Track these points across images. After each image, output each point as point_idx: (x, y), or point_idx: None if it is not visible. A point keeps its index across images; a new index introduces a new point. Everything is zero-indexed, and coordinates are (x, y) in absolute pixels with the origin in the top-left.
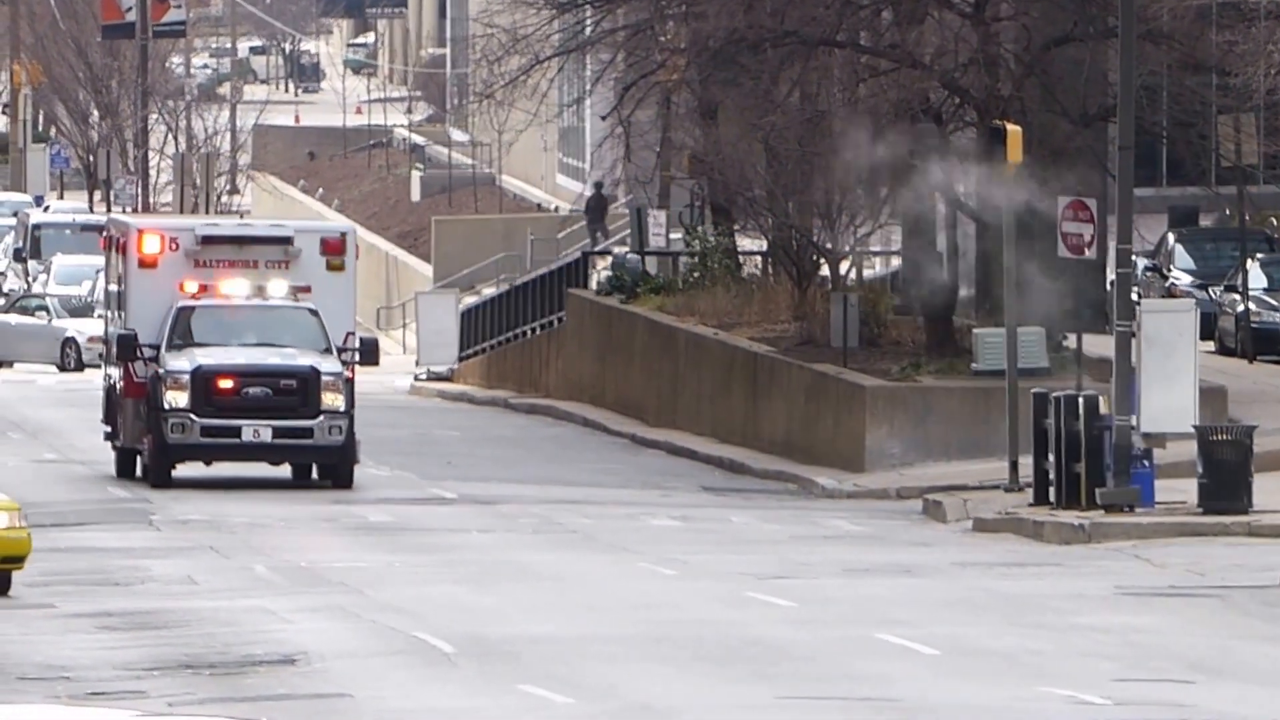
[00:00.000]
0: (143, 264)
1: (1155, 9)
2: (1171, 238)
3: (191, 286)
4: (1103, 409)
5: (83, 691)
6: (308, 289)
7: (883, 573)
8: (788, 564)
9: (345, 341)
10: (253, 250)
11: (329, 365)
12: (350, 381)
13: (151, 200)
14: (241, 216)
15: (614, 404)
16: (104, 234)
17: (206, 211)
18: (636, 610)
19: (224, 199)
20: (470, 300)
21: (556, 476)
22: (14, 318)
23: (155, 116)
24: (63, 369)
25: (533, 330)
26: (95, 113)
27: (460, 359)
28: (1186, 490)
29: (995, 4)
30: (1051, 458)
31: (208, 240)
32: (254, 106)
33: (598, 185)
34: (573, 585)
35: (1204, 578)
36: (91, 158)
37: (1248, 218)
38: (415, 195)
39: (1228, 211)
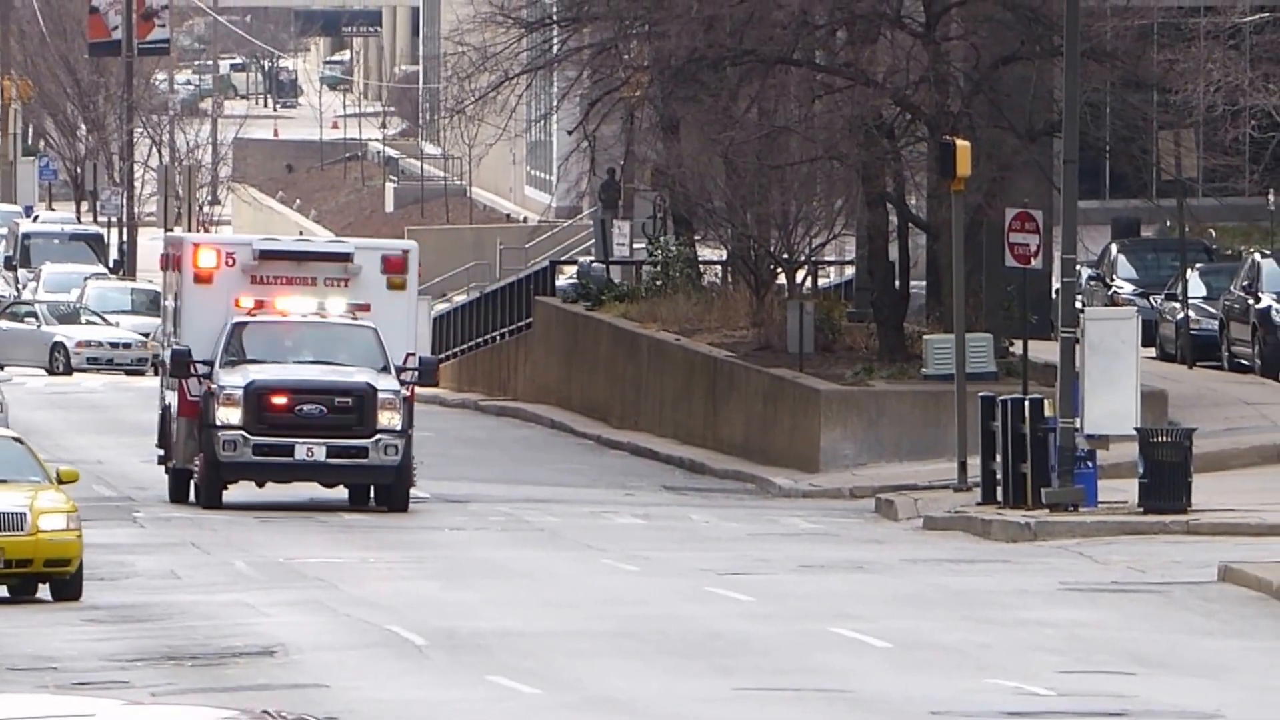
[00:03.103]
0: (198, 279)
1: (1099, 29)
2: (1114, 248)
3: (248, 303)
4: (1048, 412)
5: (69, 682)
6: (367, 307)
7: (837, 569)
8: (746, 560)
9: (406, 361)
10: (311, 267)
11: (386, 383)
12: (409, 401)
13: (136, 211)
14: (216, 228)
15: (580, 407)
16: (162, 251)
17: (189, 221)
18: (601, 605)
19: (205, 210)
20: (442, 307)
21: (524, 476)
22: (4, 323)
23: (140, 130)
24: (51, 373)
25: (502, 336)
26: (82, 127)
27: None
28: (1128, 490)
29: (945, 24)
30: (998, 459)
31: (265, 256)
32: (234, 121)
33: (610, 172)
34: (540, 581)
35: (1145, 574)
36: (79, 170)
37: (1187, 229)
38: (389, 206)
39: (1168, 223)
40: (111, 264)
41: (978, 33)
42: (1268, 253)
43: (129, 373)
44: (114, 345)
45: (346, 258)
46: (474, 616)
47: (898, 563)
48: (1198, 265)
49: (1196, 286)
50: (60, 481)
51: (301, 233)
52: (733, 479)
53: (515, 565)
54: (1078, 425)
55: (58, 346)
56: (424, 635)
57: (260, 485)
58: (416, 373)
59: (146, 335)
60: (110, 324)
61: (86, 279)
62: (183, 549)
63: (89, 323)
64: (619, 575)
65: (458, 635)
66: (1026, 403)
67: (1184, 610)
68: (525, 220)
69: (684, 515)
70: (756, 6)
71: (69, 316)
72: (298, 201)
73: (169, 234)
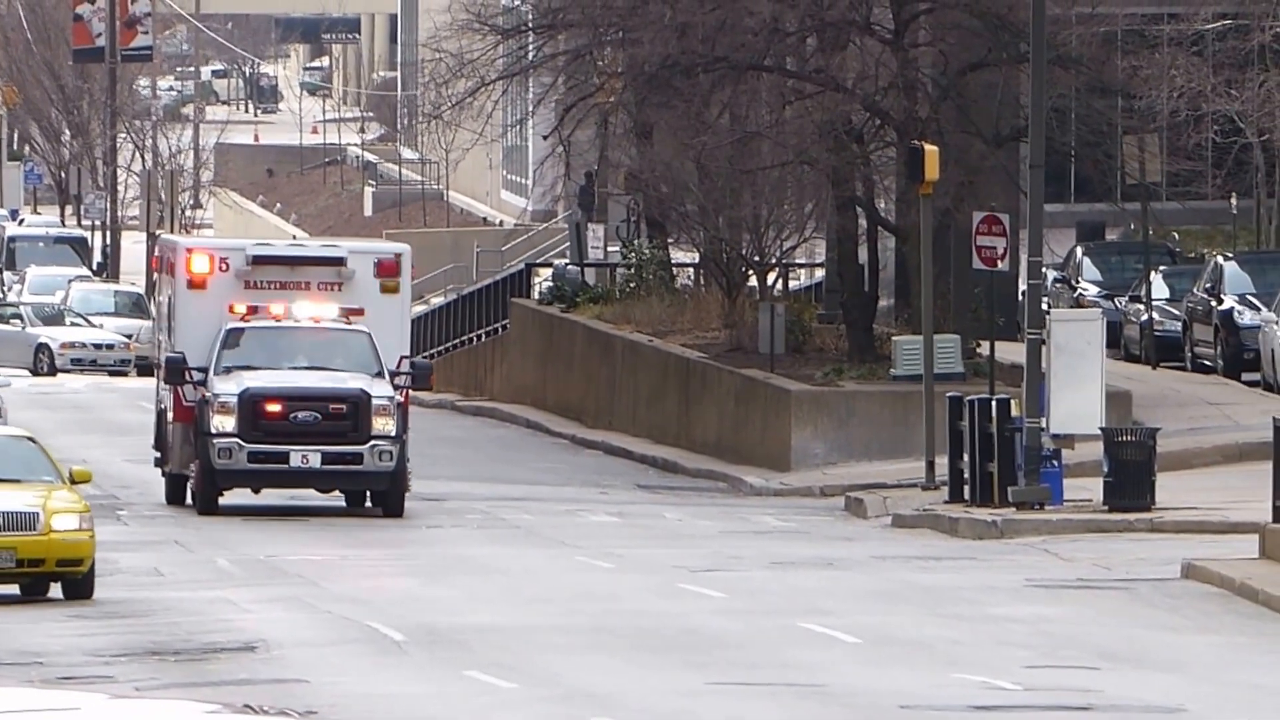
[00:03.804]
0: (191, 285)
1: (1065, 35)
2: (1079, 251)
3: (241, 308)
4: (1014, 412)
5: (54, 676)
6: (361, 311)
7: (808, 566)
8: (718, 557)
9: (399, 365)
10: (305, 271)
11: (380, 389)
12: (403, 406)
13: (120, 215)
14: (198, 231)
15: (555, 407)
16: (155, 255)
17: (171, 225)
18: (577, 601)
19: (188, 213)
20: (419, 309)
21: (501, 475)
22: None
23: (123, 135)
24: (36, 373)
25: (478, 337)
26: (67, 132)
27: None
28: (1093, 489)
29: (913, 31)
30: (966, 458)
31: (258, 261)
32: (216, 126)
33: (589, 175)
34: (517, 578)
35: (1110, 571)
36: (63, 174)
37: (1151, 232)
38: (368, 210)
39: (1132, 226)
40: (95, 266)
41: (945, 40)
42: (1230, 255)
43: (112, 373)
44: (97, 346)
45: (340, 262)
46: (452, 612)
47: (867, 560)
48: (1161, 268)
49: (1160, 288)
50: (73, 481)
51: (295, 237)
52: (705, 478)
53: (492, 562)
54: (1044, 425)
55: (42, 348)
56: (403, 631)
57: (256, 492)
58: (410, 377)
59: (129, 336)
60: (94, 325)
61: (70, 281)
62: (166, 546)
63: (73, 324)
64: (594, 572)
65: (436, 631)
66: (993, 403)
67: (1148, 606)
68: (501, 223)
69: (657, 513)
70: (728, 14)
71: (53, 318)
72: (278, 205)
73: (163, 237)
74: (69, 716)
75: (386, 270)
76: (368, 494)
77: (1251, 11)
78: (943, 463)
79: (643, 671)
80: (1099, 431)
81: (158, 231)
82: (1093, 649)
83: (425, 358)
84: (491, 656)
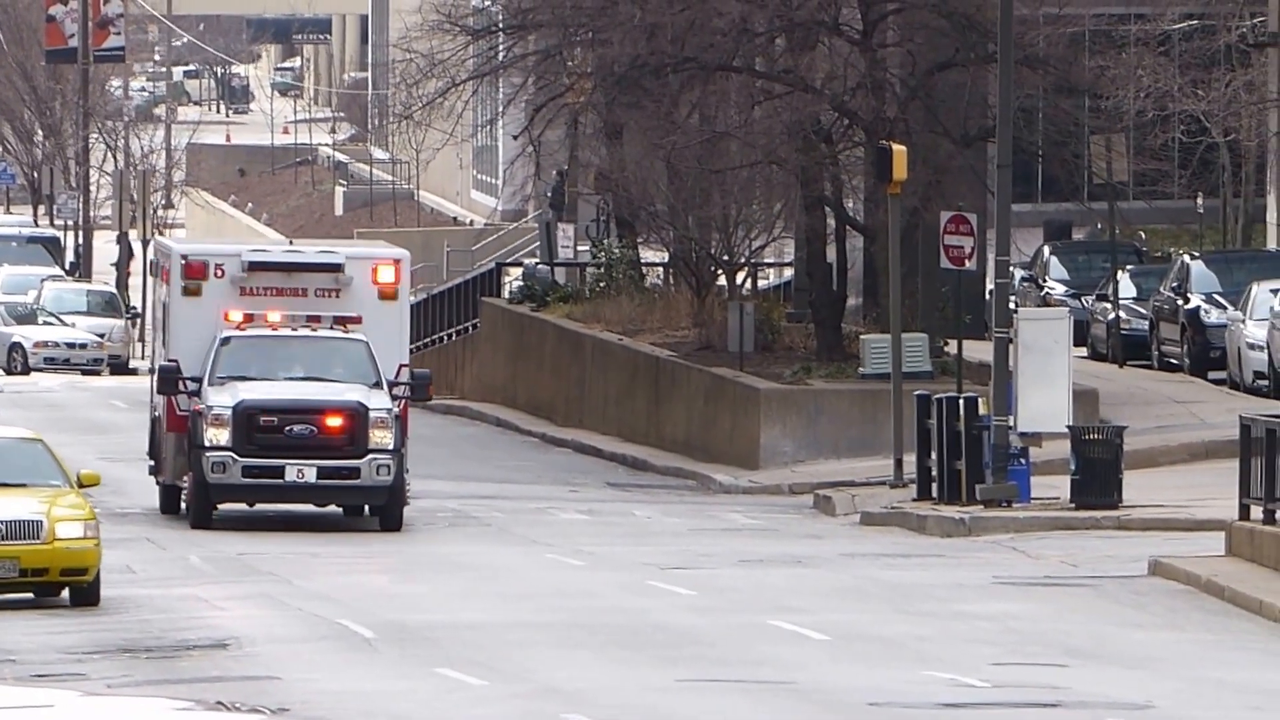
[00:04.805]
0: (186, 291)
1: (1032, 36)
2: (1047, 250)
3: (237, 316)
4: (982, 410)
5: (28, 674)
6: (358, 319)
7: (776, 563)
8: (688, 555)
9: (397, 374)
10: (302, 278)
11: (377, 401)
12: (401, 418)
13: (92, 214)
14: (170, 231)
15: (525, 405)
16: (152, 261)
17: (143, 225)
18: (548, 599)
19: (160, 213)
20: None
21: (471, 473)
22: None
23: (96, 136)
24: (9, 372)
25: (449, 336)
26: (39, 132)
27: None
28: (1060, 486)
29: (882, 31)
30: (934, 456)
31: (255, 267)
32: (188, 126)
33: (560, 175)
34: (488, 575)
35: (1077, 568)
36: (36, 174)
37: (1118, 231)
38: (339, 209)
39: (1099, 226)
40: (68, 266)
41: (914, 40)
42: (1196, 254)
43: (85, 372)
44: (70, 345)
45: (337, 268)
46: (423, 610)
47: (835, 557)
48: (1128, 267)
49: (1127, 287)
50: (81, 485)
51: (292, 242)
52: (674, 476)
53: (463, 560)
54: (1011, 423)
55: (15, 347)
56: (374, 628)
57: (251, 505)
58: (409, 387)
59: (102, 335)
60: (66, 325)
61: (43, 280)
62: (138, 544)
63: (46, 323)
64: (565, 569)
65: (407, 628)
66: (961, 401)
67: (1115, 603)
68: (472, 223)
69: (627, 511)
70: (697, 14)
71: (26, 317)
72: (249, 205)
73: (158, 241)
74: (42, 714)
75: (385, 276)
76: (365, 508)
77: (1217, 12)
78: (911, 461)
79: (614, 668)
80: (1066, 430)
81: (129, 231)
82: (1060, 646)
83: None
84: (462, 653)
